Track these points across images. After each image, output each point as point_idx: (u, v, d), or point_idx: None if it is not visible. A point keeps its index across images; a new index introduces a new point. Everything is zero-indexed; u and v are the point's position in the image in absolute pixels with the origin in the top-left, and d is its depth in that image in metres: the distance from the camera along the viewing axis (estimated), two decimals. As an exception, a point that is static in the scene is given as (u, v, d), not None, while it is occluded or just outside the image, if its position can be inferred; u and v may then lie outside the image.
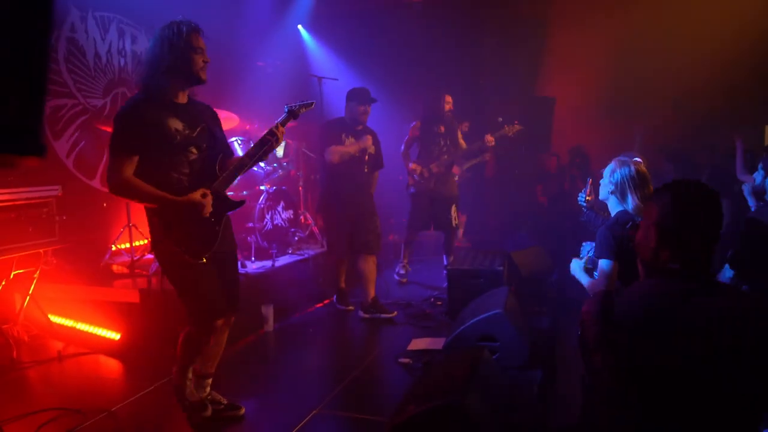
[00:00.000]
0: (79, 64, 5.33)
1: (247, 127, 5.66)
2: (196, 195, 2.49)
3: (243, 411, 2.92)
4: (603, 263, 2.55)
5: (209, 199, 2.52)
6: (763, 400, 1.36)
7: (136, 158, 2.45)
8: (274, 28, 7.51)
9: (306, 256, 5.18)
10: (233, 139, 5.13)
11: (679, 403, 1.35)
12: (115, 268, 4.82)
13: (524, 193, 7.39)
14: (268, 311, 4.30)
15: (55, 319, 4.32)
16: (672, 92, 6.77)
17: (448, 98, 5.42)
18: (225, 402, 2.93)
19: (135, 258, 4.77)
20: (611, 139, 6.88)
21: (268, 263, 4.79)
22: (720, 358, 1.33)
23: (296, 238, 5.48)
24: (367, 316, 4.54)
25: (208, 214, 2.54)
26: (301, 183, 5.97)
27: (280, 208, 5.28)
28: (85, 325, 4.22)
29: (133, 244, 4.82)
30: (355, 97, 4.42)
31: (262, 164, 5.31)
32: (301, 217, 5.79)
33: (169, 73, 2.48)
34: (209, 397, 2.89)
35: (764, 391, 1.35)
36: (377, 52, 7.65)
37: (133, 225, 4.82)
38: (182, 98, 2.61)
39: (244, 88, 6.48)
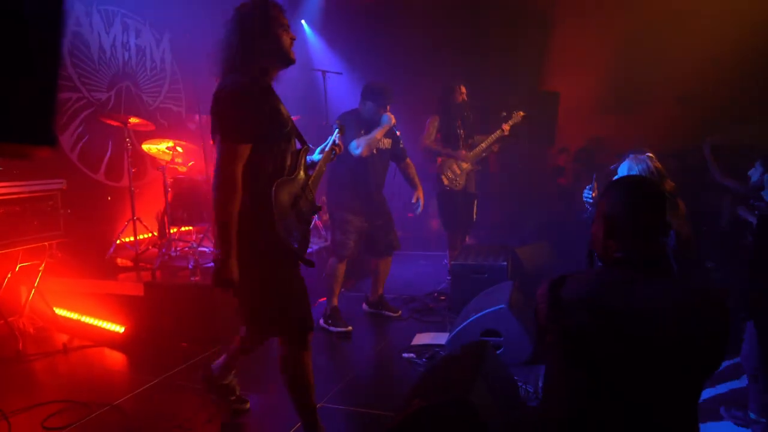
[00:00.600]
0: (83, 57, 5.33)
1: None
2: (235, 271, 2.12)
3: (248, 405, 2.92)
4: None
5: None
6: (698, 383, 1.48)
7: (249, 149, 2.15)
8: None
9: (309, 250, 5.17)
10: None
11: (621, 383, 1.45)
12: (119, 261, 4.83)
13: (528, 188, 7.38)
14: (272, 305, 4.30)
15: (60, 311, 4.34)
16: (677, 88, 6.72)
17: (463, 88, 5.13)
18: (237, 394, 2.89)
19: (139, 251, 4.78)
20: (616, 135, 6.86)
21: (271, 257, 4.78)
22: (655, 343, 1.42)
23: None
24: (371, 310, 4.54)
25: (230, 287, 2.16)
26: (304, 177, 5.96)
27: (284, 203, 5.27)
28: (90, 318, 4.24)
29: (138, 237, 4.84)
30: (372, 97, 4.08)
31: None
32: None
33: (260, 56, 2.23)
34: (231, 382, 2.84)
35: (698, 376, 1.46)
36: (379, 47, 7.63)
37: (138, 218, 4.83)
38: (271, 82, 2.33)
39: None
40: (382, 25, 7.75)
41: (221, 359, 2.77)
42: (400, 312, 4.49)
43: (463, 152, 5.15)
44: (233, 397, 2.87)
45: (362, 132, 4.07)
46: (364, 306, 4.59)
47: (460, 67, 7.28)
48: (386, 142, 4.28)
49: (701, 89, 6.50)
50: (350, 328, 4.18)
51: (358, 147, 4.00)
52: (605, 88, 7.12)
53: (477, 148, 5.22)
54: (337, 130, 2.94)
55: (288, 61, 2.31)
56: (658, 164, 2.66)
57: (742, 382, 3.27)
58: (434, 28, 7.54)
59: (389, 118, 4.07)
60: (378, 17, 7.82)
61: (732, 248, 4.04)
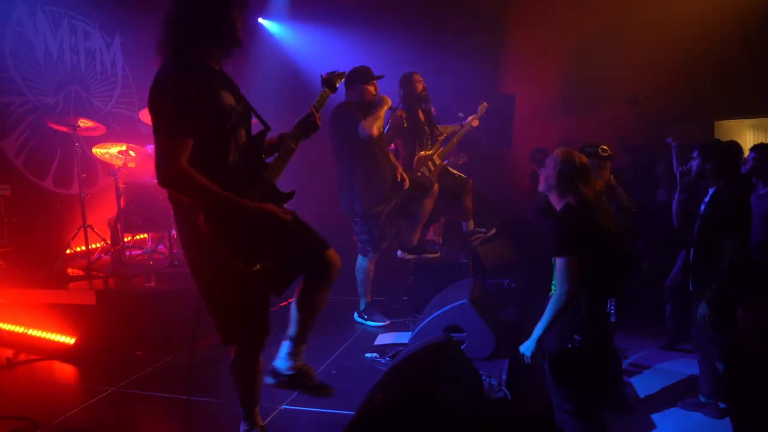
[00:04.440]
0: (27, 60, 5.12)
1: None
2: (271, 204, 2.08)
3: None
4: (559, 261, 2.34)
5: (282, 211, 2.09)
6: None
7: (191, 143, 1.93)
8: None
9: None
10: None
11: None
12: (70, 270, 4.64)
13: (488, 188, 7.45)
14: (232, 311, 4.20)
15: (3, 325, 4.12)
16: (629, 89, 6.96)
17: (418, 77, 4.73)
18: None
19: (91, 260, 4.60)
20: (571, 135, 7.02)
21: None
22: None
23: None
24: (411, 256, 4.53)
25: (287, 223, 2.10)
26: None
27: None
28: (37, 331, 4.04)
29: (90, 246, 4.66)
30: (359, 79, 4.00)
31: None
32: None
33: (205, 36, 2.02)
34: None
35: None
36: (333, 47, 7.58)
37: (89, 226, 4.65)
38: (219, 65, 2.12)
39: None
40: (336, 25, 7.72)
41: None
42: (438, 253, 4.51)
43: (421, 154, 4.77)
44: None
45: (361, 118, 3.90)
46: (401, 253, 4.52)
47: (416, 70, 7.34)
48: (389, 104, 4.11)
49: (653, 90, 6.76)
50: (389, 322, 4.22)
51: (365, 128, 3.83)
52: (560, 90, 7.31)
53: (449, 144, 4.95)
54: (323, 89, 2.46)
55: (236, 44, 2.08)
56: (585, 159, 2.54)
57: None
58: (389, 33, 7.56)
59: (384, 100, 3.99)
60: (333, 17, 7.78)
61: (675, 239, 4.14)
